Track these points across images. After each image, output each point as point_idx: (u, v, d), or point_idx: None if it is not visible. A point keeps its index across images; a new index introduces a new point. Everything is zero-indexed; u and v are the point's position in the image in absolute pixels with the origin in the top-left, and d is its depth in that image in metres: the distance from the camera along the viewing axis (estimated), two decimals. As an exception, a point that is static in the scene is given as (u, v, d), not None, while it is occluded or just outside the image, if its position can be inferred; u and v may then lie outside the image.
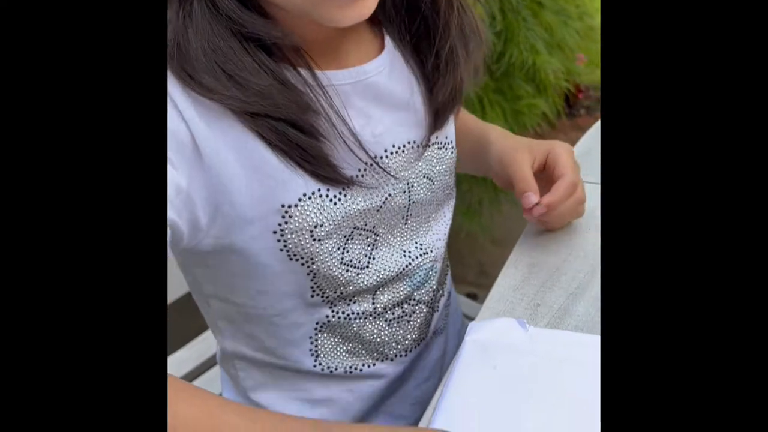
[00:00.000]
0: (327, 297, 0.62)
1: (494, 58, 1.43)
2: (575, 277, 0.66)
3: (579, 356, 0.57)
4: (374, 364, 0.68)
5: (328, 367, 0.66)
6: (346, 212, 0.58)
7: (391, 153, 0.61)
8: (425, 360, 0.74)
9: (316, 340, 0.65)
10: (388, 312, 0.66)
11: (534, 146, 0.72)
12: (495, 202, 1.62)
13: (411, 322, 0.69)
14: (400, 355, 0.69)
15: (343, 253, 0.60)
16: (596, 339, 0.59)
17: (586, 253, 0.70)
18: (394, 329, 0.68)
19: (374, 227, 0.62)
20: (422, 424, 0.55)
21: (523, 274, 0.68)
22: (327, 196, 0.57)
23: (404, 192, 0.63)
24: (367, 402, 0.70)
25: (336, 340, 0.65)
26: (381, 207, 0.61)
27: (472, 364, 0.59)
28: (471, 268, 1.86)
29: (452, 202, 0.71)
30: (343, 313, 0.64)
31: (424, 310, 0.70)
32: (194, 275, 0.64)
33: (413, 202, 0.64)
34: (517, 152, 0.71)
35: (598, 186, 0.79)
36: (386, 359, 0.69)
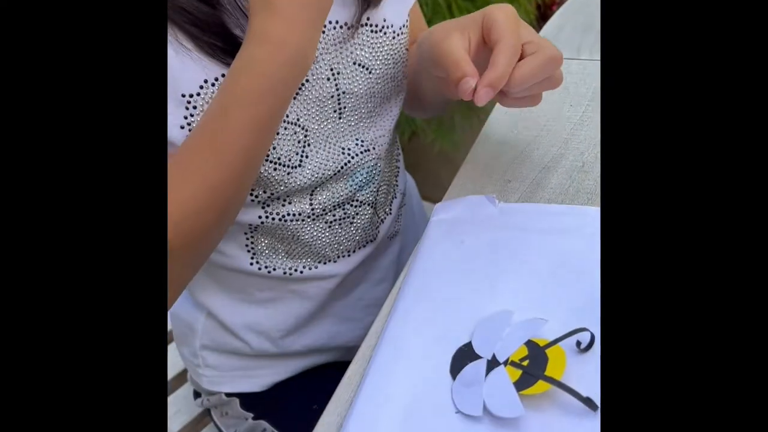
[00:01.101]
0: (257, 197, 0.56)
1: (460, -42, 1.35)
2: (548, 151, 0.61)
3: (553, 225, 0.53)
4: (316, 267, 0.63)
5: (266, 267, 0.62)
6: None
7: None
8: (378, 262, 0.69)
9: (252, 237, 0.60)
10: (328, 214, 0.61)
11: (467, 22, 0.54)
12: (467, 118, 1.56)
13: (354, 224, 0.64)
14: (344, 256, 0.65)
15: (269, 150, 0.54)
16: (570, 209, 0.54)
17: (559, 127, 0.64)
18: (335, 231, 0.63)
19: (298, 120, 0.55)
20: (375, 326, 0.50)
21: (492, 151, 0.63)
22: None
23: (328, 79, 0.56)
24: (313, 303, 0.66)
25: (271, 240, 0.60)
26: (298, 95, 0.55)
27: (438, 241, 0.54)
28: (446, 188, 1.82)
29: (402, 96, 0.64)
30: (277, 214, 0.58)
31: (369, 212, 0.64)
32: None
33: (344, 93, 0.57)
34: (448, 38, 0.53)
35: (572, 61, 0.74)
36: (329, 261, 0.64)
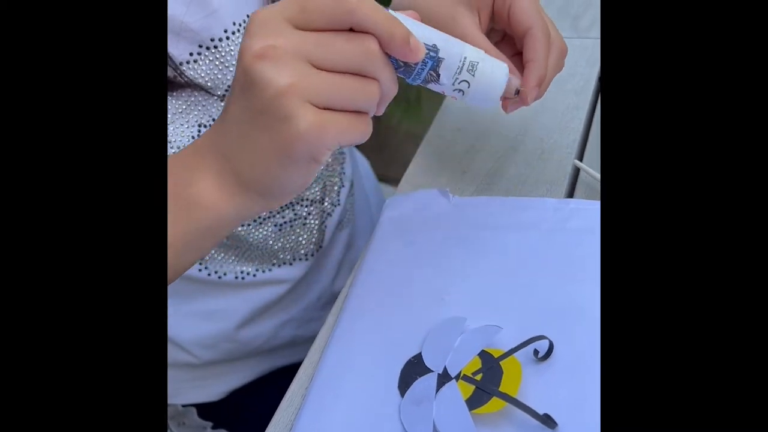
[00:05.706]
0: None
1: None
2: (506, 139, 0.58)
3: (508, 222, 0.49)
4: (270, 270, 0.59)
5: (216, 272, 0.57)
6: (177, 108, 0.48)
7: (233, 32, 0.49)
8: (330, 257, 0.65)
9: None
10: (277, 215, 0.57)
11: None
12: (436, 95, 1.52)
13: (307, 225, 0.60)
14: (300, 259, 0.61)
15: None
16: (528, 201, 0.51)
17: (517, 113, 0.60)
18: (286, 233, 0.59)
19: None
20: (318, 341, 0.47)
21: (446, 141, 0.59)
22: None
23: None
24: (264, 308, 0.62)
25: (220, 247, 0.56)
26: (224, 96, 0.50)
27: (388, 242, 0.51)
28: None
29: None
30: None
31: (321, 209, 0.61)
32: None
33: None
34: (456, 17, 0.44)
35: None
36: (284, 264, 0.60)
